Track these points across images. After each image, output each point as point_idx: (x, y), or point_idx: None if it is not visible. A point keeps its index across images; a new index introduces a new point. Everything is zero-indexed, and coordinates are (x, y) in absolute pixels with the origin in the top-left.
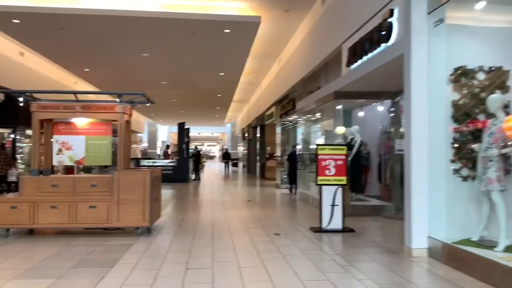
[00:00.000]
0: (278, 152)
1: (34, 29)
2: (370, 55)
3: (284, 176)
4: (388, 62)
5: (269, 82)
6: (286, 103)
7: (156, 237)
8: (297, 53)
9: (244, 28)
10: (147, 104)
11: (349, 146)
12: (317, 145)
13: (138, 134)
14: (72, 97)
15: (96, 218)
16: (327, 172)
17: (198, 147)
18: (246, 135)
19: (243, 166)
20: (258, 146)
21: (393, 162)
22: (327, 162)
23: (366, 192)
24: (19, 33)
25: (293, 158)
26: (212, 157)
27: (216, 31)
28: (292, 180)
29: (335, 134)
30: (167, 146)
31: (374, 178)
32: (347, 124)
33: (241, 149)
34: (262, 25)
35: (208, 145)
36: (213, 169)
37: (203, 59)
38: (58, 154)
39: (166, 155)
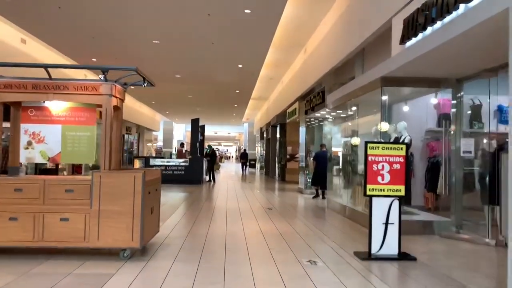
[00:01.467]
0: (301, 153)
1: (28, 10)
2: (438, 23)
3: (309, 180)
4: (474, 27)
5: (292, 75)
6: (313, 97)
7: (148, 263)
8: (327, 39)
9: (267, 8)
10: (144, 85)
11: None
12: (367, 142)
13: (153, 133)
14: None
15: (69, 234)
16: (379, 179)
17: (214, 146)
18: (265, 134)
19: (261, 168)
20: (277, 146)
21: (454, 167)
22: (379, 166)
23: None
24: (13, 13)
25: (321, 160)
26: (228, 158)
27: (235, 12)
28: (320, 184)
29: (376, 132)
30: (182, 144)
31: (418, 186)
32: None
33: (258, 149)
34: (287, 10)
35: (224, 145)
36: (229, 170)
37: (220, 48)
38: (26, 148)
39: (180, 154)
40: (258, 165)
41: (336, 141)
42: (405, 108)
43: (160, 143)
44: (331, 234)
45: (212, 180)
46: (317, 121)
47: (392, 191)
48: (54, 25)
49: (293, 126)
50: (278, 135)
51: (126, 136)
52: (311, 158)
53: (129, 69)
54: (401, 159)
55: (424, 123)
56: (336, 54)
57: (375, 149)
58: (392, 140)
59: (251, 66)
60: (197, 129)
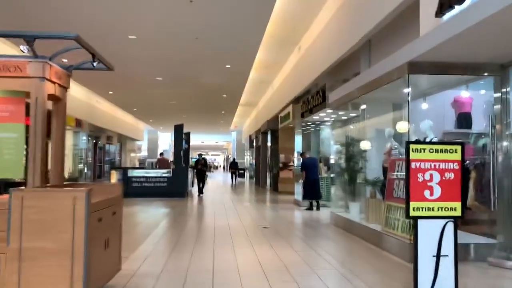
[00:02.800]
0: (295, 161)
1: None
2: None
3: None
4: None
5: (284, 77)
6: (311, 97)
7: None
8: (325, 33)
9: None
10: (94, 65)
11: None
12: (409, 143)
13: (137, 142)
14: None
15: None
16: (427, 193)
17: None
18: (254, 142)
19: (250, 177)
20: (269, 154)
21: (501, 175)
22: (427, 175)
23: None
24: None
25: (311, 168)
26: (216, 167)
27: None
28: (312, 194)
29: (390, 134)
30: (161, 154)
31: None
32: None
33: (248, 158)
34: (279, 3)
35: (212, 155)
36: (217, 180)
37: (205, 44)
38: None
39: (162, 164)
40: (247, 175)
41: (338, 146)
42: (424, 106)
43: (144, 153)
44: (352, 266)
45: (200, 193)
46: (314, 125)
47: (445, 210)
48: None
49: (286, 132)
50: (269, 143)
51: (107, 146)
52: (299, 167)
53: (66, 37)
54: (456, 166)
55: (441, 124)
56: (336, 48)
57: (421, 151)
58: None
59: (239, 66)
60: (181, 136)
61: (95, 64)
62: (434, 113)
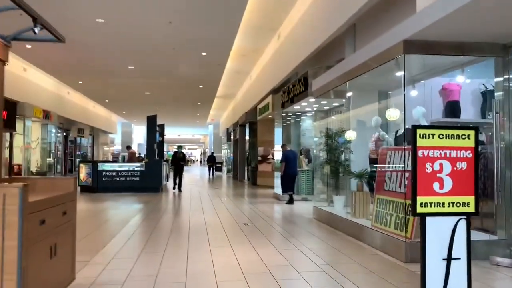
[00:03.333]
0: (276, 154)
1: None
2: None
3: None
4: None
5: (263, 66)
6: (293, 86)
7: None
8: (306, 18)
9: None
10: (36, 31)
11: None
12: (415, 127)
13: (110, 135)
14: None
15: None
16: (436, 186)
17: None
18: (232, 135)
19: (228, 171)
20: (247, 147)
21: (504, 166)
22: (436, 165)
23: None
24: None
25: (292, 160)
26: (193, 161)
27: None
28: (292, 187)
29: (377, 123)
30: (128, 147)
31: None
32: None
33: (225, 152)
34: None
35: (189, 148)
36: (194, 174)
37: (180, 30)
38: None
39: (132, 158)
40: (225, 168)
41: (321, 136)
42: (414, 93)
43: (118, 147)
44: (341, 266)
45: (179, 189)
46: (294, 116)
47: (457, 205)
48: None
49: (265, 124)
50: (247, 135)
51: (78, 139)
52: (279, 160)
53: None
54: (469, 154)
55: (428, 113)
56: (318, 34)
57: (429, 137)
58: (401, 133)
59: (216, 55)
60: (154, 128)
61: (36, 30)
62: (421, 101)
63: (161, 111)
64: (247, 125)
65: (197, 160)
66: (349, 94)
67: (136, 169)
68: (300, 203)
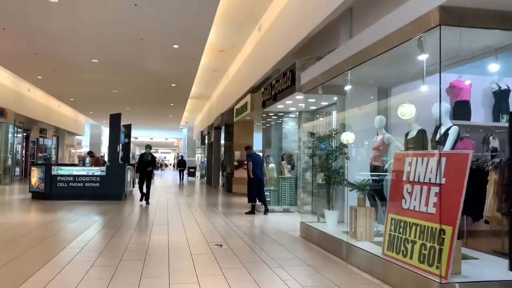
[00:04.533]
0: None
1: None
2: None
3: (267, 194)
4: None
5: (242, 63)
6: (276, 81)
7: None
8: (292, 5)
9: None
10: None
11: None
12: None
13: (77, 137)
14: None
15: None
16: None
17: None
18: (206, 138)
19: (201, 176)
20: (222, 151)
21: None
22: None
23: None
24: None
25: (258, 165)
26: (166, 165)
27: None
28: (260, 195)
29: (381, 124)
30: (90, 152)
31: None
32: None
33: (199, 156)
34: None
35: (162, 152)
36: (165, 180)
37: (146, 15)
38: None
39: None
40: (198, 174)
41: (309, 140)
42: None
43: (86, 149)
44: None
45: (146, 201)
46: (276, 117)
47: None
48: None
49: (243, 126)
50: (222, 139)
51: (41, 140)
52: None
53: None
54: None
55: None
56: (307, 21)
57: None
58: (413, 135)
59: (189, 47)
60: (117, 127)
61: None
62: (429, 100)
63: (131, 112)
64: (223, 128)
65: (170, 164)
66: (347, 87)
67: (96, 173)
68: (282, 216)
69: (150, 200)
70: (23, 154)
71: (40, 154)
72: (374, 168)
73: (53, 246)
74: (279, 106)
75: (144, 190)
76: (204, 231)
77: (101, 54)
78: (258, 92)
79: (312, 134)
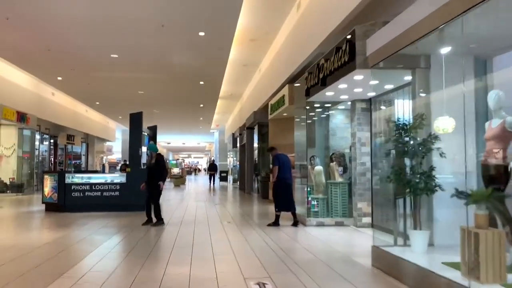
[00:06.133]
0: (296, 162)
1: None
2: None
3: (315, 203)
4: None
5: (277, 51)
6: (325, 61)
7: None
8: None
9: None
10: None
11: None
12: None
13: (107, 143)
14: None
15: None
16: None
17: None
18: (238, 140)
19: (234, 180)
20: (256, 153)
21: None
22: None
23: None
24: None
25: (286, 167)
26: (199, 170)
27: None
28: (289, 203)
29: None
30: (125, 162)
31: None
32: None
33: (231, 159)
34: None
35: (195, 157)
36: (196, 185)
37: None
38: None
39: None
40: (230, 178)
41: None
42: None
43: (118, 155)
44: None
45: (152, 220)
46: (321, 109)
47: None
48: None
49: (279, 124)
50: (256, 139)
51: (69, 147)
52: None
53: None
54: None
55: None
56: None
57: None
58: None
59: (217, 34)
60: (138, 128)
61: None
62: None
63: (161, 116)
64: (256, 128)
65: (204, 169)
66: (437, 53)
67: (115, 181)
68: (334, 230)
69: (178, 210)
70: (52, 162)
71: (69, 162)
72: (489, 169)
73: (53, 270)
74: (329, 93)
75: (149, 209)
76: (240, 258)
77: (120, 47)
78: (299, 80)
79: (391, 123)
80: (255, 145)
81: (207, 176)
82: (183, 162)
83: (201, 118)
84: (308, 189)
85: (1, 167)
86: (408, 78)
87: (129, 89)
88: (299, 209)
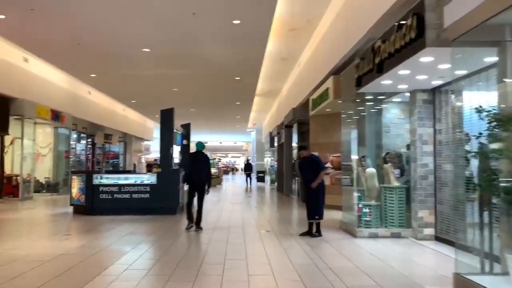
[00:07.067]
0: (344, 162)
1: None
2: None
3: (366, 211)
4: None
5: (319, 40)
6: (382, 42)
7: None
8: None
9: None
10: None
11: None
12: None
13: (145, 142)
14: None
15: None
16: None
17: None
18: (276, 139)
19: (271, 181)
20: (295, 153)
21: None
22: None
23: None
24: None
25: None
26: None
27: None
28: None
29: None
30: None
31: None
32: None
33: (268, 159)
34: None
35: (232, 157)
36: (233, 185)
37: None
38: None
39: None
40: (268, 178)
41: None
42: None
43: (156, 154)
44: None
45: (193, 223)
46: (372, 103)
47: None
48: None
49: (322, 120)
50: (295, 138)
51: (107, 146)
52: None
53: None
54: None
55: None
56: None
57: None
58: None
59: (253, 22)
60: (170, 125)
61: None
62: None
63: (197, 114)
64: (295, 126)
65: (241, 168)
66: None
67: (144, 182)
68: (390, 243)
69: (212, 212)
70: (90, 161)
71: (107, 161)
72: None
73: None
74: (385, 81)
75: (192, 212)
76: (281, 282)
77: (151, 40)
78: (347, 70)
79: (482, 113)
80: (294, 144)
81: (244, 176)
82: (220, 161)
83: (238, 117)
84: (359, 194)
85: (37, 167)
86: (492, 58)
87: (163, 87)
88: (347, 217)
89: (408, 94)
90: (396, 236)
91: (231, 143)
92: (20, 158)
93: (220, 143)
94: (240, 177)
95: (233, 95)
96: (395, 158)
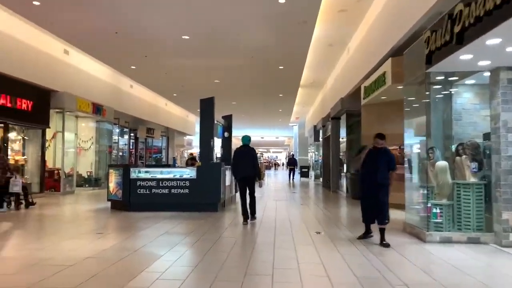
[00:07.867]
0: (407, 155)
1: None
2: None
3: (437, 211)
4: None
5: (373, 21)
6: (464, 6)
7: None
8: None
9: None
10: None
11: None
12: None
13: (187, 137)
14: None
15: None
16: None
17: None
18: (321, 133)
19: (315, 177)
20: (343, 147)
21: None
22: None
23: None
24: None
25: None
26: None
27: None
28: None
29: None
30: (191, 156)
31: None
32: None
33: (312, 154)
34: None
35: (273, 152)
36: (276, 181)
37: None
38: None
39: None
40: (312, 174)
41: None
42: None
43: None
44: None
45: (249, 216)
46: (439, 86)
47: None
48: None
49: (375, 110)
50: (343, 130)
51: (150, 140)
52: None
53: None
54: None
55: None
56: None
57: None
58: None
59: (300, 2)
60: (210, 116)
61: None
62: None
63: (236, 107)
64: (343, 118)
65: (282, 164)
66: None
67: (184, 176)
68: (467, 249)
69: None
70: (133, 155)
71: (151, 155)
72: None
73: None
74: (465, 56)
75: (247, 205)
76: None
77: (190, 26)
78: (412, 47)
79: None
80: (343, 134)
81: (286, 171)
82: (262, 156)
83: (280, 110)
84: (427, 191)
85: (79, 161)
86: None
87: (204, 78)
88: (412, 218)
89: (488, 73)
90: (475, 241)
91: (272, 138)
92: (62, 152)
93: (262, 138)
94: (282, 172)
95: (276, 86)
96: (472, 149)
